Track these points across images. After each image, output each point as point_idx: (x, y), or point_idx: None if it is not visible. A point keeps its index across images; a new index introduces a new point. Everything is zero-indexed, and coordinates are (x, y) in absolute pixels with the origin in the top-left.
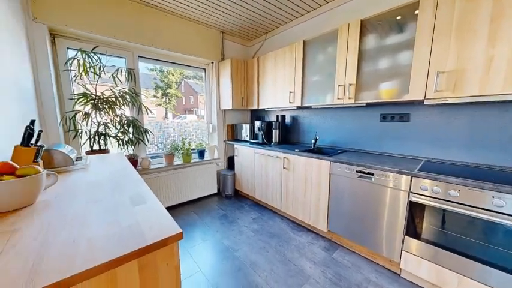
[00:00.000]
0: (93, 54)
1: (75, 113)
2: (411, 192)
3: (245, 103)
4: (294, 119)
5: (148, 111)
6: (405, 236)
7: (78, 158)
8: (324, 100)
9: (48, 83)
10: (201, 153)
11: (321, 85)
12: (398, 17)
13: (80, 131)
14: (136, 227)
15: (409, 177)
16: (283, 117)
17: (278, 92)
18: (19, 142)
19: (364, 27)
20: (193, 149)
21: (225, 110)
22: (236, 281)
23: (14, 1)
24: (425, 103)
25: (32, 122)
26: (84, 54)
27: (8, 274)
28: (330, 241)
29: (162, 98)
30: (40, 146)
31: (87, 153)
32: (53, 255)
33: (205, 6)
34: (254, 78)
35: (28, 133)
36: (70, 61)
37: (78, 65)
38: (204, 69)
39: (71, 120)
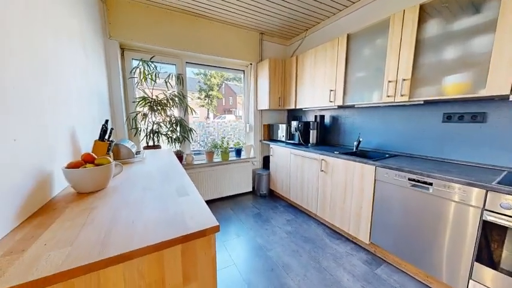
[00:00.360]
0: (150, 63)
1: (136, 114)
2: (486, 210)
3: (282, 103)
4: (334, 119)
5: (193, 111)
6: (475, 263)
7: (138, 152)
8: (369, 98)
9: (118, 89)
10: (238, 152)
11: (367, 82)
12: None
13: (139, 129)
14: (181, 216)
15: (484, 190)
16: (322, 117)
17: (317, 90)
18: (97, 137)
19: (424, 12)
20: (231, 148)
21: (262, 110)
22: (268, 280)
23: (97, 23)
24: (511, 99)
25: (106, 121)
26: (144, 64)
27: (89, 241)
28: (373, 255)
29: (205, 99)
30: (111, 141)
31: (144, 148)
32: (117, 231)
33: (246, 9)
34: (292, 78)
35: (103, 130)
36: (134, 70)
37: (140, 72)
38: (243, 70)
39: (133, 120)
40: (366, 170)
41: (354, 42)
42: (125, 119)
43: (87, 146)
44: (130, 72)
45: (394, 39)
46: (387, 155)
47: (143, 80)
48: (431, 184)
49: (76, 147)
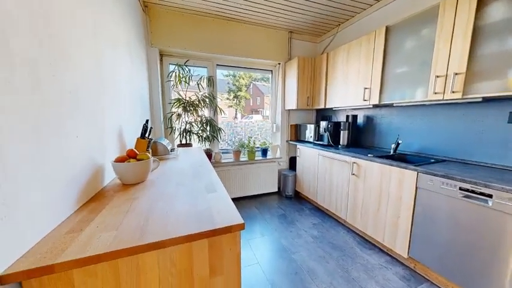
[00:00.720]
0: (185, 67)
1: (172, 114)
2: None
3: (311, 103)
4: (368, 119)
5: (222, 112)
6: None
7: (172, 150)
8: (412, 96)
9: (157, 92)
10: (264, 152)
11: (409, 78)
12: None
13: (174, 128)
14: (208, 212)
15: None
16: (355, 117)
17: (350, 89)
18: (139, 135)
19: None
20: (257, 147)
21: (289, 110)
22: (292, 283)
23: (140, 34)
24: None
25: (147, 121)
26: (179, 68)
27: (131, 227)
28: (412, 270)
29: (233, 100)
30: (150, 138)
31: (178, 145)
32: (154, 220)
33: (276, 9)
34: (322, 76)
35: (144, 129)
36: (170, 74)
37: (175, 76)
38: (271, 70)
39: (169, 120)
40: (405, 176)
41: (393, 34)
42: (162, 118)
43: (130, 142)
44: (167, 76)
45: (444, 29)
46: (432, 160)
47: (178, 82)
48: (490, 196)
49: (122, 144)
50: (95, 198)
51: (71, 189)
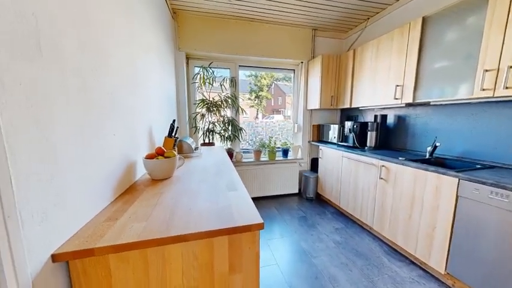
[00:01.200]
0: (209, 69)
1: (196, 114)
2: None
3: (335, 102)
4: (399, 119)
5: (244, 112)
6: None
7: (196, 148)
8: (453, 93)
9: (183, 93)
10: (285, 152)
11: (450, 73)
12: None
13: (198, 127)
14: (229, 209)
15: None
16: (384, 117)
17: (378, 87)
18: (167, 134)
19: None
20: (278, 148)
21: (311, 109)
22: None
23: (169, 39)
24: None
25: (174, 121)
26: (204, 70)
27: (158, 219)
28: None
29: (255, 100)
30: (176, 137)
31: (201, 144)
32: (178, 214)
33: (300, 7)
34: (348, 74)
35: (171, 128)
36: (195, 76)
37: (200, 78)
38: (293, 70)
39: (193, 119)
40: (443, 183)
41: (431, 26)
42: (187, 118)
43: (159, 140)
44: (193, 78)
45: (496, 15)
46: (478, 166)
47: (202, 84)
48: None
49: (152, 142)
50: (128, 191)
51: (109, 182)
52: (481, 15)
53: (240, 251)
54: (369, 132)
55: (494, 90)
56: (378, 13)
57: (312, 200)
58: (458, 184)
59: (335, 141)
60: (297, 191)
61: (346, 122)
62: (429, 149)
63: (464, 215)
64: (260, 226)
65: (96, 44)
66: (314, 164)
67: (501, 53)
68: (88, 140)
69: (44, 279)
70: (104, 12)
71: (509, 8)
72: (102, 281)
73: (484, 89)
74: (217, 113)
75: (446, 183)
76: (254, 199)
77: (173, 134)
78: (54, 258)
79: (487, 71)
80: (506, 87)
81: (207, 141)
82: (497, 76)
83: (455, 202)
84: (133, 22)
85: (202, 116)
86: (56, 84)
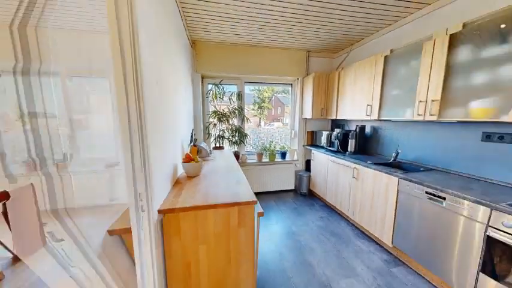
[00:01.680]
0: (220, 85)
1: (209, 124)
2: (490, 226)
3: (324, 113)
4: (374, 129)
5: (248, 120)
6: (480, 273)
7: (210, 152)
8: (403, 114)
9: (199, 107)
10: (283, 155)
11: (401, 99)
12: (503, 25)
13: (210, 134)
14: (237, 193)
15: (489, 209)
16: (363, 127)
17: (356, 104)
18: (189, 141)
19: (455, 39)
20: (277, 151)
21: (306, 118)
22: (295, 255)
23: (189, 63)
24: None
25: (192, 130)
26: (215, 87)
27: (200, 198)
28: (394, 257)
29: (258, 110)
30: (198, 145)
31: (213, 148)
32: (209, 195)
33: (296, 35)
34: (334, 91)
35: (191, 136)
36: (208, 92)
37: (212, 93)
38: (291, 84)
39: (207, 128)
40: (390, 181)
41: (390, 62)
42: (202, 127)
43: (186, 148)
44: (207, 93)
45: (424, 62)
46: (422, 169)
47: (214, 98)
48: (444, 198)
49: (183, 150)
50: (176, 184)
51: (169, 177)
52: (418, 60)
53: (243, 215)
54: (349, 140)
55: (424, 115)
56: (358, 41)
57: (305, 195)
58: (398, 182)
59: (325, 146)
60: (292, 187)
61: (335, 129)
62: (393, 154)
63: (402, 204)
64: (254, 202)
65: (166, 88)
66: (308, 164)
67: (428, 90)
68: (160, 150)
69: (155, 221)
70: (168, 66)
71: (432, 58)
72: (176, 225)
73: (419, 114)
74: (226, 122)
75: (392, 181)
76: (256, 194)
77: (193, 141)
78: (159, 212)
79: (420, 101)
80: (431, 114)
81: (217, 145)
82: (425, 106)
83: (397, 195)
84: (175, 58)
85: (214, 124)
86: (151, 108)
